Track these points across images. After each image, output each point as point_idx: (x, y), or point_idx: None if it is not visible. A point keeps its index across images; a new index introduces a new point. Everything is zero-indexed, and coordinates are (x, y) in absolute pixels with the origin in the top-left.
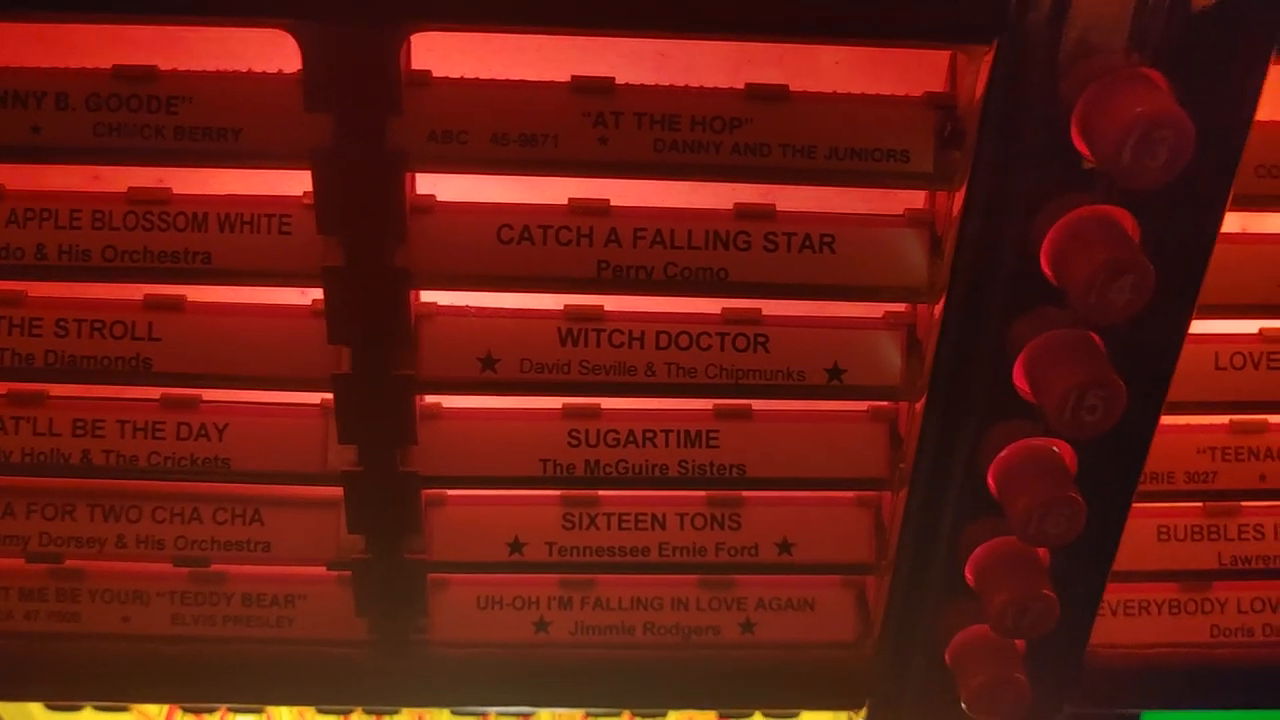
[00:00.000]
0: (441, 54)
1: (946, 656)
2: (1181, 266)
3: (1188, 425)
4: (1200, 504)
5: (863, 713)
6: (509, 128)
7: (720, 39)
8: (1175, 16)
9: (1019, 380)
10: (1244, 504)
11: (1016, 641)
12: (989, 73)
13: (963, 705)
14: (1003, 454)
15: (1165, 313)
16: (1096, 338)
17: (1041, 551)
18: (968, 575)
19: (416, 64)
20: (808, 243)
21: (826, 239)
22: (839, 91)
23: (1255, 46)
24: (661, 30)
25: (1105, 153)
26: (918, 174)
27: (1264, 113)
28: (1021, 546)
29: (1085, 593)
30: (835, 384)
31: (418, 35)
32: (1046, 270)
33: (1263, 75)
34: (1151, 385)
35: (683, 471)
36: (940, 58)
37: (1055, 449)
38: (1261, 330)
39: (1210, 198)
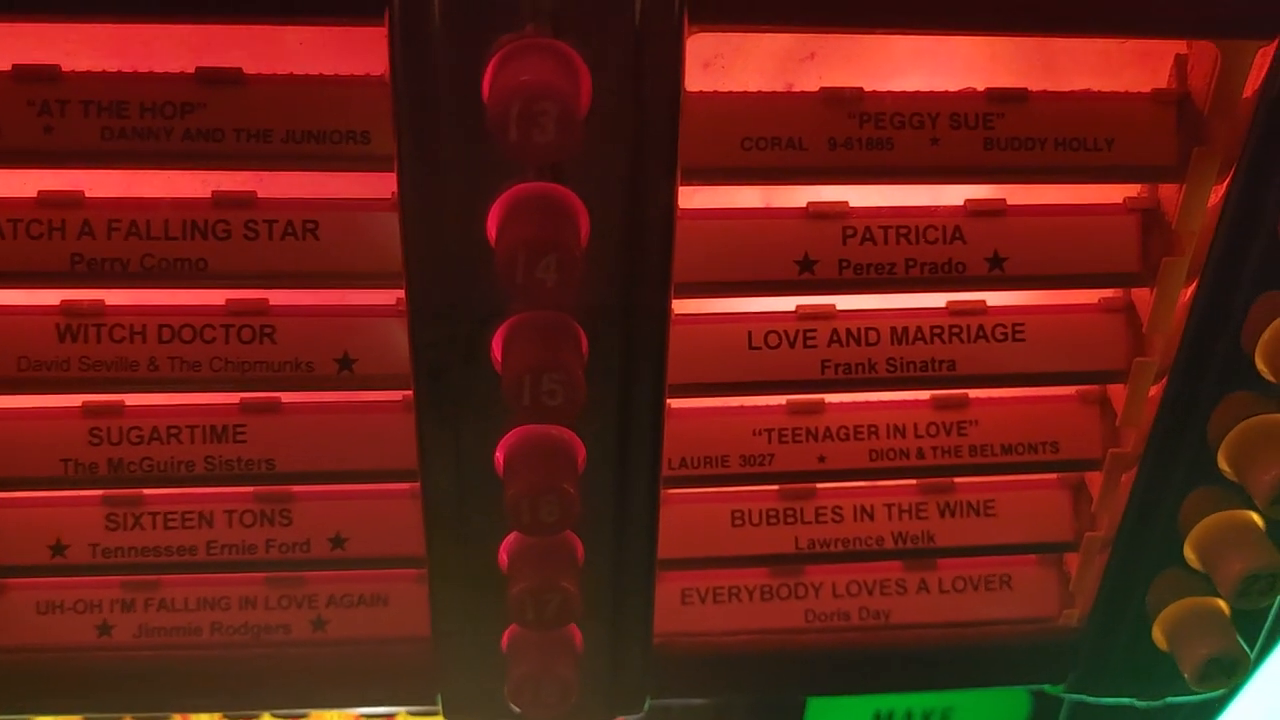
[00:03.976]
0: None
1: (503, 647)
2: (641, 245)
3: (741, 407)
4: (776, 487)
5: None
6: None
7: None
8: None
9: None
10: (819, 486)
11: (574, 633)
12: (388, 46)
13: (506, 699)
14: (506, 439)
15: (641, 293)
16: (573, 320)
17: (575, 540)
18: (502, 564)
19: None
20: (290, 230)
21: (310, 225)
22: (301, 74)
23: (662, 13)
24: (95, 14)
25: (495, 129)
26: (380, 155)
27: (751, 83)
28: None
29: (635, 583)
30: (346, 374)
31: None
32: None
33: (679, 44)
34: (646, 368)
35: (209, 468)
36: None
37: (563, 435)
38: (798, 308)
39: (655, 172)
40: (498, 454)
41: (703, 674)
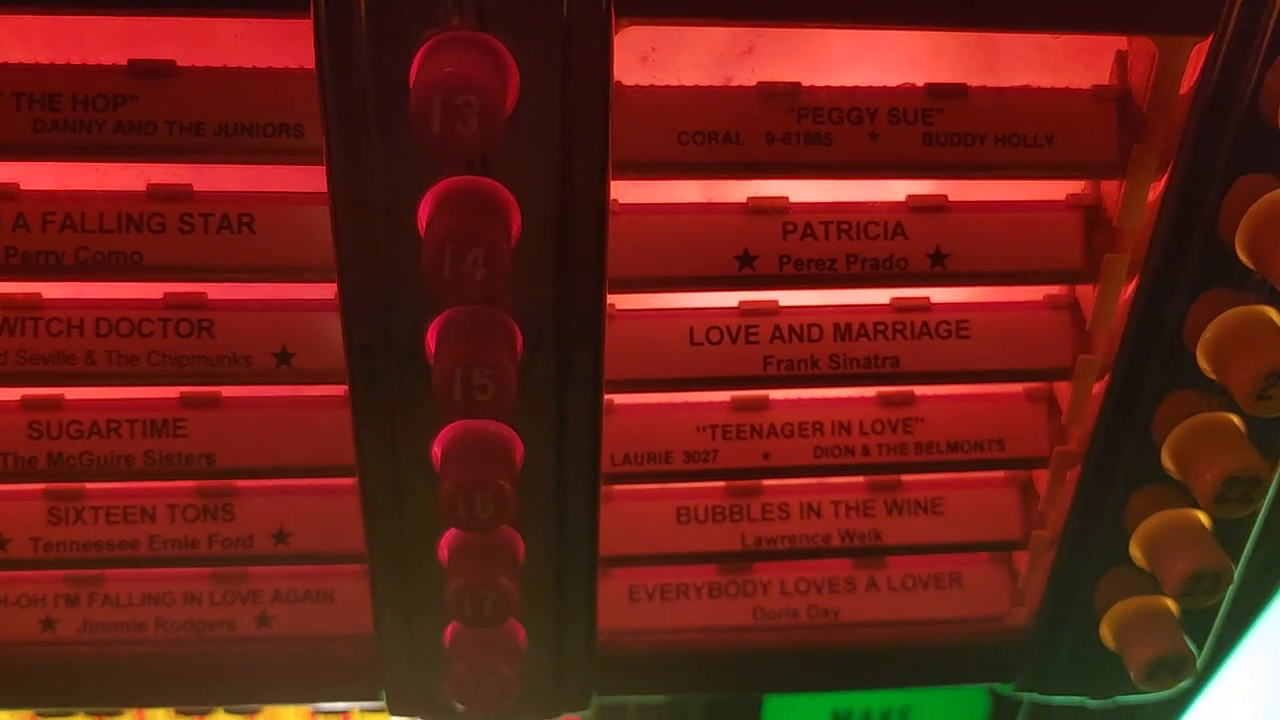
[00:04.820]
0: None
1: (446, 643)
2: (575, 239)
3: (685, 403)
4: (723, 484)
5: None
6: None
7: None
8: None
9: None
10: (765, 483)
11: (516, 630)
12: (314, 38)
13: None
14: (443, 435)
15: (576, 287)
16: (507, 315)
17: (515, 537)
18: (442, 560)
19: None
20: (226, 223)
21: (245, 219)
22: (235, 66)
23: (589, 6)
24: (26, 6)
25: (417, 122)
26: (313, 149)
27: (689, 76)
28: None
29: (577, 580)
30: (284, 368)
31: None
32: None
33: (608, 37)
34: (583, 363)
35: (149, 462)
36: None
37: (501, 431)
38: (740, 303)
39: (586, 166)
40: (435, 449)
41: (651, 672)
